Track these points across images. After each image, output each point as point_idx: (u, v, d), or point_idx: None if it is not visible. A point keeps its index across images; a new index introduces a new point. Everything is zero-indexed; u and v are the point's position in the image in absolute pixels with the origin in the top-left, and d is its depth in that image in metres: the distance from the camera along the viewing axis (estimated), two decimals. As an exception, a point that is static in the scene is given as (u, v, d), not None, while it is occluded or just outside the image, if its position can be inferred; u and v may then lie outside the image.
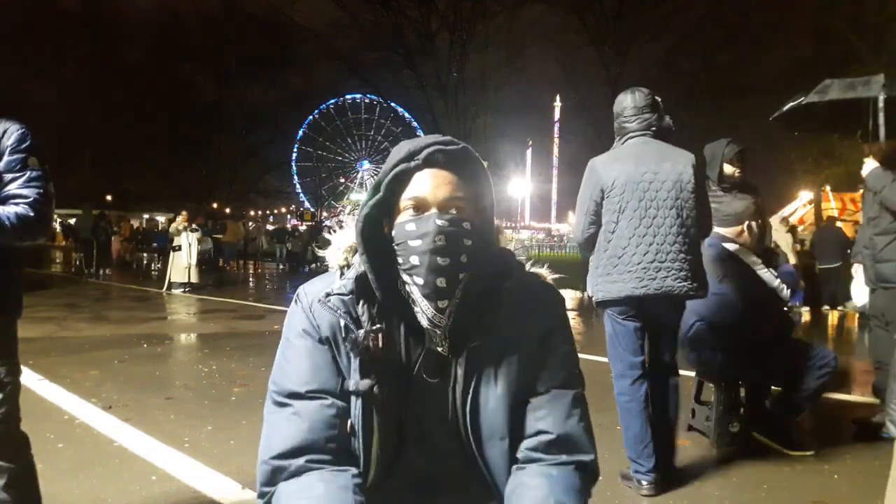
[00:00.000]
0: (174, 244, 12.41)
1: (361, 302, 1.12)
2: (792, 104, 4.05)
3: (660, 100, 2.99)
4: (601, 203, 2.92)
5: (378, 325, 1.11)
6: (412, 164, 1.09)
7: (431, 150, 1.09)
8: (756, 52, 22.47)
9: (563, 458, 1.14)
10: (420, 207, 1.09)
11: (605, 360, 3.04)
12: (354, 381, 1.12)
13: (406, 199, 1.09)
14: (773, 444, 3.32)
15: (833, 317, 10.44)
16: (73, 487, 2.79)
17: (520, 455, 1.16)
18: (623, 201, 2.85)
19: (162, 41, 31.89)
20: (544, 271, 1.30)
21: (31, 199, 1.90)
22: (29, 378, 4.53)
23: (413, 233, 1.07)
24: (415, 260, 1.07)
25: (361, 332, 1.10)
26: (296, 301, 1.20)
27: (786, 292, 3.33)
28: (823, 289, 11.05)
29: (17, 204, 1.88)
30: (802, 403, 3.29)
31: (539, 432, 1.16)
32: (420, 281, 1.07)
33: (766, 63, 22.29)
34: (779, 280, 3.35)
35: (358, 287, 1.12)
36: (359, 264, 1.14)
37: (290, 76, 33.26)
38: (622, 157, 2.90)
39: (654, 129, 2.92)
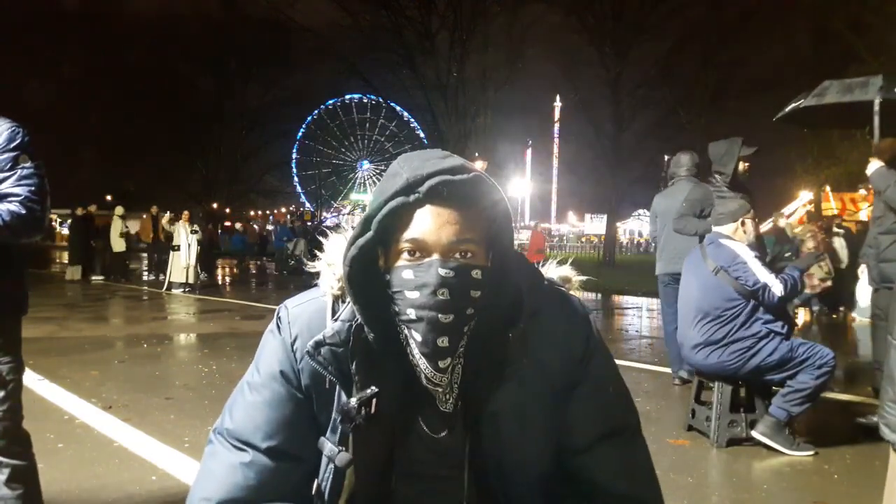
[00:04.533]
0: (173, 244, 12.42)
1: (356, 361, 0.95)
2: (793, 106, 4.08)
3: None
4: (655, 218, 5.34)
5: (373, 391, 0.94)
6: (411, 198, 0.89)
7: (434, 183, 0.88)
8: (756, 52, 22.47)
9: None
10: (420, 251, 0.90)
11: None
12: (330, 449, 0.97)
13: (404, 240, 0.91)
14: (773, 444, 3.32)
15: (834, 317, 10.42)
16: (73, 487, 2.79)
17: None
18: (656, 216, 5.31)
19: (162, 41, 31.88)
20: (569, 271, 1.14)
21: (22, 197, 1.90)
22: (29, 378, 4.48)
23: (411, 282, 0.90)
24: (412, 314, 0.90)
25: (353, 401, 0.93)
26: (276, 325, 1.03)
27: (777, 287, 3.31)
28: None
29: (10, 202, 1.89)
30: (802, 403, 3.29)
31: (591, 484, 1.00)
32: (418, 338, 0.91)
33: (766, 63, 22.30)
34: (773, 276, 3.34)
35: (355, 339, 0.95)
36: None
37: (290, 76, 33.28)
38: (663, 194, 5.32)
39: (681, 176, 5.17)
